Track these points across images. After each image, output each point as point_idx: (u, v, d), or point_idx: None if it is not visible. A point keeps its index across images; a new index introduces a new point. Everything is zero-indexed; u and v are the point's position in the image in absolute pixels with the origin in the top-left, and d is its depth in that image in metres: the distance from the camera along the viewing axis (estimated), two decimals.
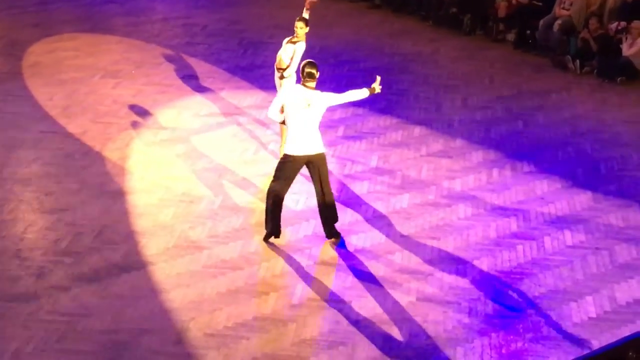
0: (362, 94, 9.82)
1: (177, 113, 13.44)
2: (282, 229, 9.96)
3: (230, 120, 13.16)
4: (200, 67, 15.41)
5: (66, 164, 11.78)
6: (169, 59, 15.84)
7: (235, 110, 13.54)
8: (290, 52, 11.31)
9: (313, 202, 10.68)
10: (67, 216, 10.41)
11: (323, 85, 14.25)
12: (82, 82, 14.66)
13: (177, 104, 13.80)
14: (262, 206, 10.49)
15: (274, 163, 11.68)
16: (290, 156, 9.59)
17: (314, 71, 9.56)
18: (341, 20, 18.44)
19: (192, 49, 16.41)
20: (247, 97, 14.03)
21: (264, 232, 10.02)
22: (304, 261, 9.54)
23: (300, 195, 10.90)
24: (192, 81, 14.75)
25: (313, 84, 9.58)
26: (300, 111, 9.48)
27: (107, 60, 15.76)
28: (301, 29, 11.30)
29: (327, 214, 9.83)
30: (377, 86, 9.82)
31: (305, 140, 9.52)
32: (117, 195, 10.93)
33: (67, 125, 12.95)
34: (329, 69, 15.33)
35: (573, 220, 10.44)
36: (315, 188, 9.76)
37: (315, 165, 9.64)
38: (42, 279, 9.14)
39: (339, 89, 14.30)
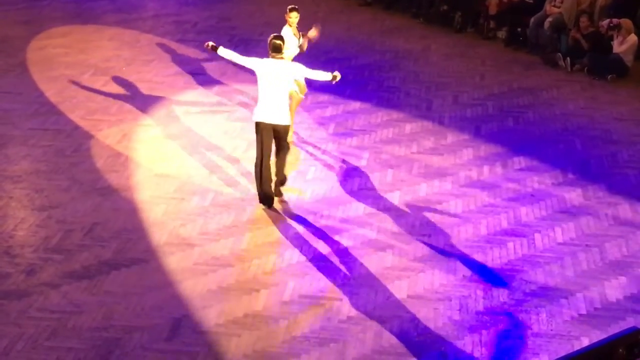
0: (326, 76, 10.63)
1: (168, 110, 13.42)
2: (274, 226, 10.11)
3: (221, 117, 13.15)
4: (191, 64, 15.40)
5: (57, 161, 11.75)
6: (160, 55, 15.82)
7: (226, 107, 13.53)
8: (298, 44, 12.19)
9: (304, 198, 10.71)
10: (57, 213, 10.39)
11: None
12: (72, 79, 14.63)
13: (168, 100, 13.78)
14: (252, 205, 10.57)
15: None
16: (257, 123, 10.38)
17: (280, 43, 10.33)
18: (332, 17, 18.43)
19: (183, 45, 16.40)
20: (238, 95, 14.01)
21: (255, 229, 10.06)
22: (295, 258, 9.53)
23: (291, 192, 10.91)
24: (183, 78, 14.74)
25: (281, 55, 10.35)
26: (268, 82, 10.28)
27: (98, 57, 15.73)
28: (296, 18, 12.05)
29: (278, 176, 10.70)
30: (337, 75, 10.69)
31: (272, 109, 10.31)
32: (108, 192, 10.91)
33: (58, 122, 12.93)
34: (319, 66, 15.21)
35: (563, 217, 10.46)
36: (275, 152, 10.62)
37: (279, 135, 10.47)
38: (32, 276, 9.12)
39: (330, 86, 14.36)
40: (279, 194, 10.73)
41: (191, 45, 16.35)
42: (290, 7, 12.07)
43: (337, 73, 10.70)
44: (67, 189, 10.99)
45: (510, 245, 9.84)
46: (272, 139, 10.46)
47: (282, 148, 10.64)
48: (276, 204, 10.59)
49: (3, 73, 14.94)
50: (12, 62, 15.46)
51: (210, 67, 15.18)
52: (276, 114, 10.31)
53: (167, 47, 16.30)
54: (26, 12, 18.46)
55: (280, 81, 10.30)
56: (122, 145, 12.20)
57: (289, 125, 10.65)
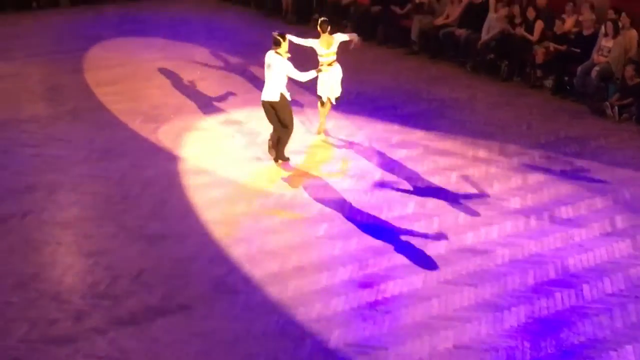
0: (309, 74, 13.14)
1: (214, 157, 13.53)
2: (319, 273, 10.14)
3: (265, 166, 13.22)
4: (239, 112, 15.52)
5: (105, 207, 11.88)
6: (208, 104, 15.98)
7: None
8: (335, 48, 14.02)
9: (351, 246, 10.70)
10: (105, 259, 10.47)
11: (360, 131, 14.39)
12: (122, 126, 14.83)
13: (215, 148, 13.90)
14: (298, 252, 10.60)
15: (310, 209, 11.76)
16: (261, 101, 13.05)
17: (278, 39, 12.73)
18: (379, 66, 18.55)
19: (231, 94, 16.55)
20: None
21: (300, 276, 10.06)
22: (340, 306, 9.50)
23: (337, 240, 10.91)
24: (231, 126, 14.87)
25: (279, 49, 12.75)
26: (266, 68, 12.87)
27: (147, 104, 15.95)
28: (328, 25, 14.02)
29: (280, 141, 13.11)
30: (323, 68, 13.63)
31: (268, 90, 12.87)
32: (155, 238, 10.99)
33: (107, 169, 13.08)
34: (366, 114, 15.40)
35: (612, 268, 10.33)
36: (278, 124, 13.04)
37: (276, 109, 12.91)
38: (79, 321, 9.18)
39: (376, 134, 14.47)
40: (276, 160, 13.24)
41: (239, 92, 16.51)
42: (321, 19, 14.28)
43: (319, 69, 13.49)
44: (115, 235, 11.09)
45: (558, 295, 9.74)
46: (272, 112, 12.96)
47: (282, 125, 13.01)
48: None
49: (54, 120, 15.19)
50: (63, 109, 15.72)
51: (259, 118, 15.28)
52: (268, 93, 12.85)
53: (215, 95, 16.46)
54: (77, 60, 18.79)
55: (272, 70, 12.79)
56: (170, 192, 12.31)
57: (279, 101, 12.82)
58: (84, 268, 10.29)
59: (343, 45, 14.29)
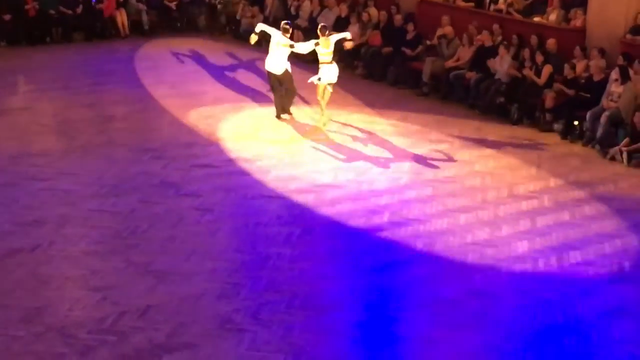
0: (308, 45, 16.92)
1: (224, 195, 13.56)
2: (324, 314, 10.12)
3: (278, 203, 13.26)
4: (249, 151, 15.57)
5: (113, 242, 11.88)
6: (218, 141, 16.04)
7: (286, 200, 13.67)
8: (332, 47, 16.87)
9: (359, 286, 10.68)
10: (112, 295, 10.47)
11: (368, 171, 14.40)
12: (132, 161, 14.87)
13: (225, 186, 13.92)
14: (304, 291, 10.59)
15: (319, 250, 11.75)
16: (266, 70, 17.13)
17: (286, 27, 16.78)
18: (389, 106, 18.61)
19: (242, 131, 16.62)
20: (295, 182, 14.15)
21: (308, 316, 10.06)
22: (347, 347, 9.48)
23: (346, 281, 10.89)
24: (244, 163, 14.91)
25: (287, 34, 16.73)
26: (274, 47, 16.73)
27: (157, 140, 16.01)
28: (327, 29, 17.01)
29: (286, 101, 17.20)
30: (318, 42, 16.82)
31: (273, 63, 16.81)
32: (163, 275, 10.98)
33: (116, 204, 13.10)
34: (375, 155, 15.44)
35: (620, 313, 10.30)
36: (282, 89, 17.04)
37: (279, 79, 16.87)
38: (85, 357, 9.16)
39: (385, 174, 14.48)
40: (287, 112, 17.26)
41: (250, 130, 16.58)
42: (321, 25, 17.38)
43: (317, 42, 16.69)
44: (123, 270, 11.09)
45: (566, 341, 9.70)
46: (277, 81, 16.87)
47: (287, 90, 17.03)
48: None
49: (65, 154, 15.24)
50: (74, 144, 15.78)
51: (269, 158, 15.35)
52: (272, 65, 16.80)
53: (226, 132, 16.53)
54: (89, 96, 18.89)
55: (277, 46, 16.68)
56: (178, 229, 12.32)
57: (283, 74, 16.78)
58: (91, 303, 10.29)
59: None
